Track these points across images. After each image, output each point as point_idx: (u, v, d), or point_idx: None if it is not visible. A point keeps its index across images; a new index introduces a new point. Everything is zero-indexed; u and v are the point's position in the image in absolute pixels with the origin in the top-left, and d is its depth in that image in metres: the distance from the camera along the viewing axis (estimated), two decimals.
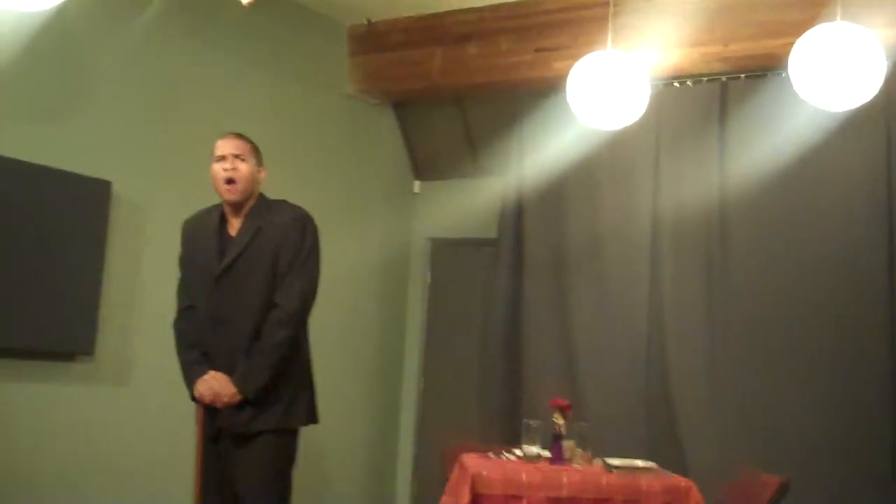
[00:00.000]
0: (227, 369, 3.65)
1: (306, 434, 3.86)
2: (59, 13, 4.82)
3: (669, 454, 5.43)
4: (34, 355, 5.26)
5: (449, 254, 7.50)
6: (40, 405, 5.28)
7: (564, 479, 3.85)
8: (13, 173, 5.08)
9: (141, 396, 5.68)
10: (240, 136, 3.84)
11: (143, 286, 5.74)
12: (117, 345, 5.63)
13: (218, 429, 3.71)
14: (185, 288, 3.89)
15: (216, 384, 3.63)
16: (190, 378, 3.74)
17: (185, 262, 3.91)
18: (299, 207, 3.85)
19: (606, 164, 6.25)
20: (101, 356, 5.53)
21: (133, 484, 5.64)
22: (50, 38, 5.24)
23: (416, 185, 7.69)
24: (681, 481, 3.94)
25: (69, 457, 5.38)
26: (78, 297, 5.35)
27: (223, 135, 3.83)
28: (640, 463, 4.19)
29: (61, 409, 5.36)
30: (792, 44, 4.69)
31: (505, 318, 6.56)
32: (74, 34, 5.43)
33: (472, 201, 7.21)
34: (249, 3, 5.75)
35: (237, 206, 3.76)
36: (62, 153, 5.33)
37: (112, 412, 5.59)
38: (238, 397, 3.61)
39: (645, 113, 5.25)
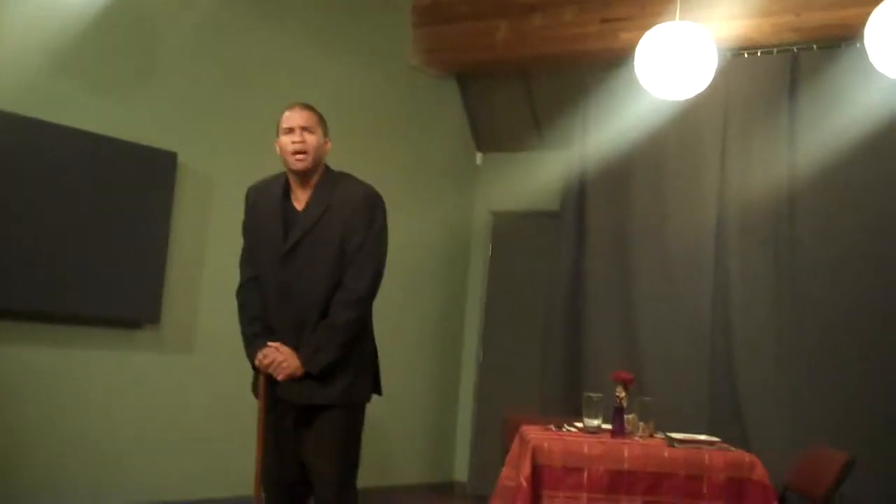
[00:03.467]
0: (292, 344, 3.64)
1: (367, 406, 3.87)
2: None
3: (732, 429, 5.37)
4: (102, 323, 5.38)
5: (510, 226, 7.46)
6: (108, 371, 5.40)
7: (626, 453, 3.80)
8: (82, 145, 5.18)
9: (205, 363, 5.77)
10: (307, 106, 3.79)
11: (208, 256, 5.82)
12: (183, 313, 5.73)
13: (278, 399, 3.73)
14: (248, 258, 3.86)
15: (279, 355, 3.63)
16: (252, 350, 3.75)
17: (250, 231, 3.88)
18: (368, 185, 3.78)
19: (672, 138, 6.15)
20: (168, 324, 5.63)
21: (197, 449, 5.74)
22: (120, 14, 5.32)
23: (479, 158, 7.67)
24: (745, 456, 3.87)
25: (135, 421, 5.50)
26: (145, 266, 5.45)
27: (290, 106, 3.78)
28: (702, 437, 4.12)
29: (128, 375, 5.48)
30: (867, 13, 4.56)
31: (567, 293, 6.52)
32: (144, 9, 5.51)
33: (535, 174, 7.16)
34: None
35: (304, 178, 3.71)
36: (129, 125, 5.43)
37: (177, 378, 5.69)
38: (301, 371, 3.61)
39: (713, 85, 5.15)
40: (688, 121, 6.04)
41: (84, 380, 5.30)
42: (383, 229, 3.75)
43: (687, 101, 5.56)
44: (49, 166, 5.07)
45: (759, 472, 3.80)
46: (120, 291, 5.34)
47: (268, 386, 3.72)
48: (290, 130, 3.70)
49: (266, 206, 3.78)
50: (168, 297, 5.60)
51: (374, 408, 4.00)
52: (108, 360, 5.41)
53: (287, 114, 3.75)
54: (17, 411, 5.04)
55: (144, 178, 5.44)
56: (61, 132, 5.10)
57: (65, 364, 5.23)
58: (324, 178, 3.75)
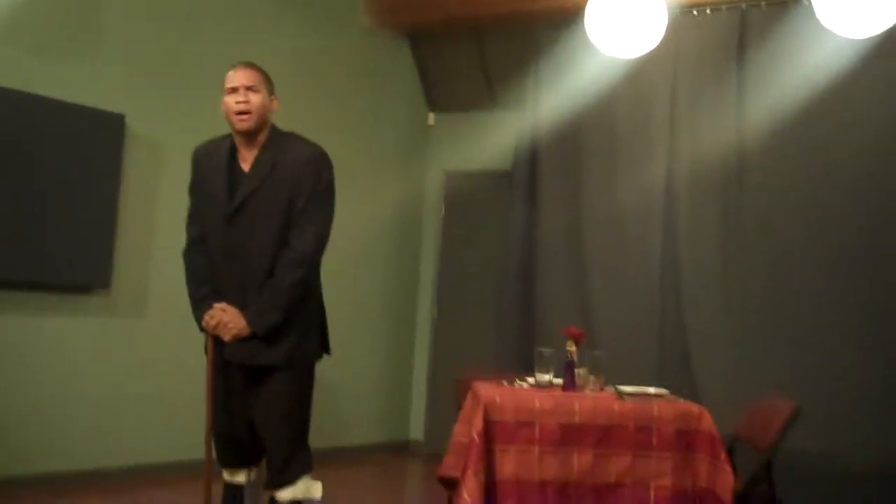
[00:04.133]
0: (239, 304, 3.65)
1: (320, 366, 3.88)
2: None
3: (682, 383, 5.45)
4: (51, 288, 5.32)
5: (464, 186, 7.46)
6: (59, 337, 5.35)
7: (576, 406, 3.85)
8: (27, 107, 5.09)
9: (157, 328, 5.74)
10: (251, 65, 3.76)
11: (158, 219, 5.77)
12: (133, 277, 5.68)
13: (227, 361, 3.73)
14: (195, 219, 3.85)
15: (226, 316, 3.63)
16: (199, 312, 3.74)
17: (196, 192, 3.85)
18: (315, 144, 3.77)
19: (623, 96, 6.18)
20: (118, 289, 5.59)
21: (149, 413, 5.72)
22: None
23: (431, 118, 7.66)
24: (693, 407, 3.93)
25: (87, 387, 5.46)
26: (94, 231, 5.39)
27: (234, 66, 3.75)
28: (652, 390, 4.18)
29: (79, 341, 5.43)
30: None
31: (520, 250, 6.58)
32: None
33: (488, 134, 7.18)
34: None
35: (250, 138, 3.69)
36: (76, 87, 5.34)
37: (129, 343, 5.66)
38: (247, 331, 3.62)
39: (662, 43, 5.17)
40: (638, 79, 6.07)
41: (34, 346, 5.25)
42: (329, 188, 3.74)
43: (637, 59, 5.60)
44: None
45: (707, 423, 3.86)
46: (69, 256, 5.28)
47: (216, 347, 3.72)
48: (234, 90, 3.67)
49: (212, 167, 3.75)
50: (118, 262, 5.55)
51: (329, 368, 4.01)
52: (58, 325, 5.35)
53: (231, 73, 3.72)
54: None
55: (92, 140, 5.37)
56: (5, 94, 5.01)
57: (13, 330, 5.16)
58: (270, 137, 3.73)
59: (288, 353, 3.67)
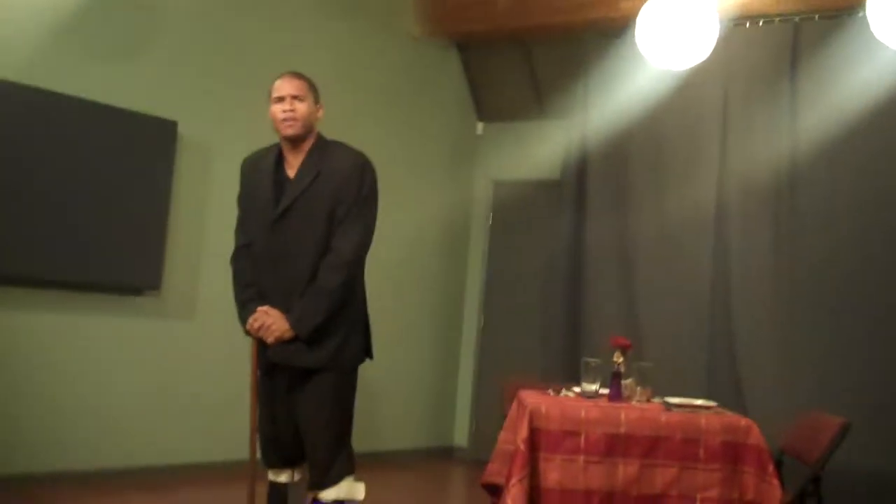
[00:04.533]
0: (283, 309, 3.68)
1: (367, 371, 3.91)
2: None
3: (730, 394, 5.41)
4: (103, 289, 5.42)
5: (512, 195, 7.48)
6: (110, 337, 5.45)
7: (623, 417, 3.82)
8: (82, 113, 5.19)
9: (206, 329, 5.82)
10: (297, 75, 3.82)
11: (208, 223, 5.85)
12: (184, 280, 5.77)
13: (272, 364, 3.77)
14: (242, 226, 3.92)
15: (268, 319, 3.67)
16: (244, 315, 3.80)
17: (244, 200, 3.93)
18: (359, 152, 3.83)
19: (673, 107, 6.16)
20: (168, 291, 5.67)
21: (196, 413, 5.79)
22: None
23: (480, 127, 7.68)
24: (741, 420, 3.88)
25: (136, 386, 5.55)
26: (145, 234, 5.48)
27: (280, 75, 3.81)
28: (699, 402, 4.14)
29: (130, 341, 5.53)
30: None
31: (567, 260, 6.57)
32: None
33: (536, 144, 7.19)
34: None
35: (295, 144, 3.75)
36: (129, 93, 5.44)
37: (177, 344, 5.74)
38: (289, 334, 3.65)
39: (713, 54, 5.15)
40: (688, 90, 6.04)
41: (86, 345, 5.35)
42: (371, 194, 3.78)
43: (688, 70, 5.57)
44: (50, 135, 5.09)
45: (756, 436, 3.82)
46: (121, 258, 5.37)
47: (261, 350, 3.77)
48: (281, 99, 3.74)
49: (259, 175, 3.82)
50: (169, 264, 5.63)
51: (375, 373, 4.03)
52: (109, 326, 5.45)
53: (277, 83, 3.78)
54: (20, 375, 5.09)
55: (145, 146, 5.46)
56: (62, 100, 5.12)
57: (67, 329, 5.27)
58: (315, 145, 3.78)
59: (331, 356, 3.71)
